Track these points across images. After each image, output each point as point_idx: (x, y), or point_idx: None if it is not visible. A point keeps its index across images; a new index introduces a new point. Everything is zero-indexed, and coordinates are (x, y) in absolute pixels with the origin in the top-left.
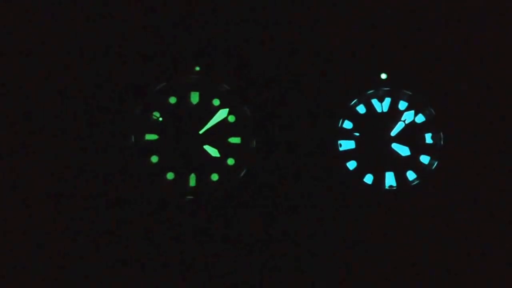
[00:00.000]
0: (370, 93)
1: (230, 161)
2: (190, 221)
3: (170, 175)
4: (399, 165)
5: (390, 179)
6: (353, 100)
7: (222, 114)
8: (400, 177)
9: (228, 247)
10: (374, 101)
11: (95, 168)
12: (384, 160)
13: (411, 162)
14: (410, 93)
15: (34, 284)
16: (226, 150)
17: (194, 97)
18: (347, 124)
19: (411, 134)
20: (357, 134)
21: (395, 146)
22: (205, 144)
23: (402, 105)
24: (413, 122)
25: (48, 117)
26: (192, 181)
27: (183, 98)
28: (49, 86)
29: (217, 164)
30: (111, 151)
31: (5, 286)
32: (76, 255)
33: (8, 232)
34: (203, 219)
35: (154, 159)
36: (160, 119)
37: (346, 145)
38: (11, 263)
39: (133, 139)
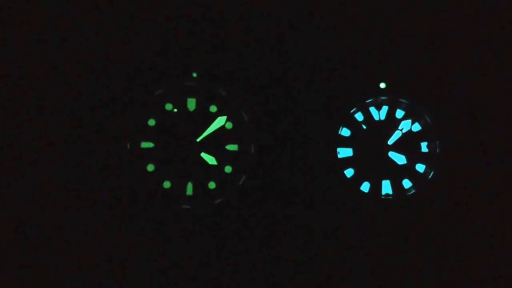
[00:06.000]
0: (369, 101)
1: (228, 169)
2: (188, 231)
3: (166, 184)
4: (396, 174)
5: (386, 187)
6: (352, 108)
7: (220, 121)
8: (397, 185)
9: (226, 256)
10: (372, 109)
11: (89, 177)
12: (381, 168)
13: (408, 170)
14: (407, 102)
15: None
16: (223, 157)
17: (191, 104)
18: (345, 132)
19: (407, 143)
20: (364, 126)
21: (392, 154)
22: (202, 152)
23: (399, 113)
24: (409, 131)
25: (43, 124)
26: (189, 189)
27: (180, 105)
28: (44, 92)
29: (214, 172)
30: (106, 159)
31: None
32: (71, 266)
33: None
34: (201, 228)
35: (150, 167)
36: (175, 110)
37: (344, 152)
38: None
39: (128, 147)
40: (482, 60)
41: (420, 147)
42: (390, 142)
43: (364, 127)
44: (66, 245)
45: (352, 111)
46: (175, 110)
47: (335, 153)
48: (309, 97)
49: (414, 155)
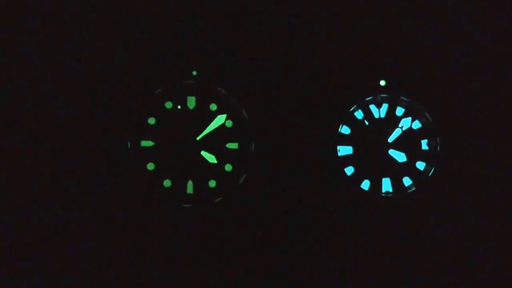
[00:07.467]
0: (369, 99)
1: (228, 167)
2: (188, 229)
3: (167, 183)
4: (396, 171)
5: (387, 185)
6: (352, 106)
7: (219, 119)
8: (397, 183)
9: (226, 255)
10: (372, 107)
11: (90, 175)
12: (381, 166)
13: (408, 168)
14: (407, 99)
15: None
16: (223, 155)
17: (191, 102)
18: (345, 130)
19: (408, 141)
20: (367, 122)
21: (392, 152)
22: (202, 150)
23: (399, 111)
24: (410, 128)
25: (43, 122)
26: (190, 188)
27: (180, 103)
28: (44, 90)
29: (214, 170)
30: (106, 157)
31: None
32: (70, 265)
33: None
34: (201, 227)
35: (151, 166)
36: (179, 107)
37: (344, 150)
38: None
39: (128, 146)
40: (483, 57)
41: (420, 145)
42: (390, 139)
43: (367, 123)
44: (65, 244)
45: (352, 109)
46: (179, 106)
47: (335, 151)
48: (309, 95)
49: (414, 153)
